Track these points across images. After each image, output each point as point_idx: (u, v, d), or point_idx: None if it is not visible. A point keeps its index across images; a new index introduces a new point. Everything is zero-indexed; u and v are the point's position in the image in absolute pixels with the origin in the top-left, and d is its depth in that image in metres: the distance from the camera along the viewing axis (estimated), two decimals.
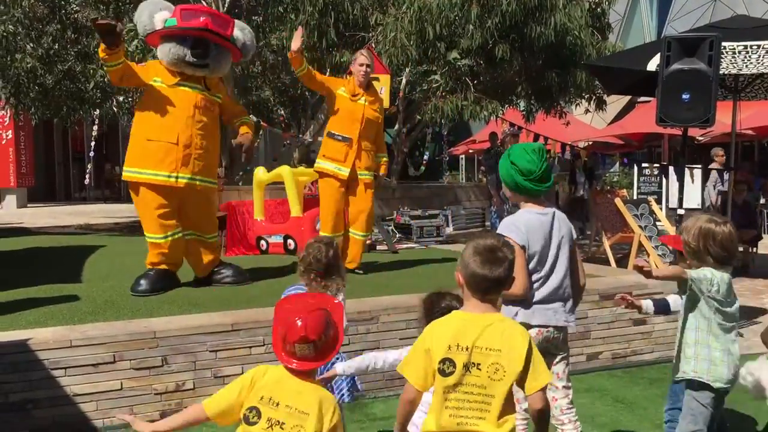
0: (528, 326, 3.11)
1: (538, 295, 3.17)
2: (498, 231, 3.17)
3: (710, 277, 3.09)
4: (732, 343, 3.15)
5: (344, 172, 6.13)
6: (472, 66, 10.22)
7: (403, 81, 11.04)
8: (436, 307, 2.98)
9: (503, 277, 2.36)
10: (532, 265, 3.15)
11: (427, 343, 2.33)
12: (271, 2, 10.75)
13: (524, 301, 3.15)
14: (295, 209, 8.05)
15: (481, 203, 14.20)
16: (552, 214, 3.21)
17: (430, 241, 10.18)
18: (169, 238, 5.46)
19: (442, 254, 7.78)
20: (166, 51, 5.38)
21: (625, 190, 11.85)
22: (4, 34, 9.82)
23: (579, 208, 15.23)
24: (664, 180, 11.64)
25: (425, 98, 11.11)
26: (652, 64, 6.73)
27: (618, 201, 9.20)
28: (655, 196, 11.32)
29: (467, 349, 2.28)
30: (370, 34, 10.10)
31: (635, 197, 11.23)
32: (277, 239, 8.05)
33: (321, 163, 6.23)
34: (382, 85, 8.03)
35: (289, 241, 7.93)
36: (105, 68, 5.40)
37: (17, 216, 14.92)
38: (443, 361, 2.28)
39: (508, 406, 2.32)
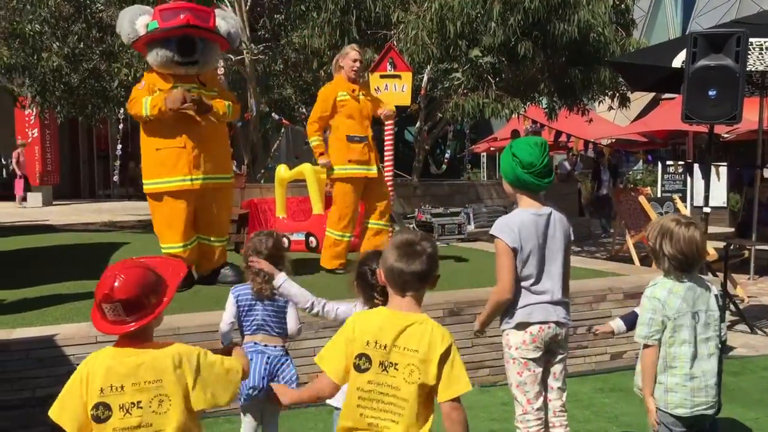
0: (527, 325, 3.11)
1: (535, 294, 3.13)
2: (491, 231, 3.14)
3: (649, 312, 2.89)
4: (701, 359, 2.90)
5: (373, 170, 6.18)
6: (494, 63, 10.15)
7: (425, 79, 11.01)
8: (364, 264, 2.88)
9: (420, 271, 2.25)
10: (526, 266, 3.10)
11: (349, 336, 2.25)
12: (293, 1, 10.77)
13: (516, 303, 3.12)
14: (317, 207, 8.06)
15: (503, 201, 14.10)
16: (548, 214, 3.15)
17: (452, 239, 10.14)
18: (188, 247, 5.52)
19: (464, 252, 7.76)
20: (154, 56, 5.39)
21: (649, 188, 11.72)
22: (31, 33, 9.93)
23: (603, 207, 15.12)
24: (688, 178, 11.50)
25: (447, 96, 11.07)
26: (678, 61, 6.66)
27: (642, 199, 9.11)
28: (680, 194, 11.19)
29: (386, 347, 2.19)
30: (392, 32, 10.08)
31: (659, 195, 11.11)
32: (298, 237, 8.07)
33: (347, 169, 6.14)
34: (404, 82, 8.01)
35: (311, 238, 7.95)
36: (144, 118, 5.38)
37: (43, 213, 15.10)
38: (359, 356, 2.20)
39: (424, 414, 2.21)
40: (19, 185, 17.25)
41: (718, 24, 12.44)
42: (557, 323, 3.15)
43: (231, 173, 5.88)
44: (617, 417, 4.40)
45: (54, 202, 18.08)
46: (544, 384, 3.21)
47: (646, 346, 2.95)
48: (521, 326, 3.14)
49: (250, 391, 3.28)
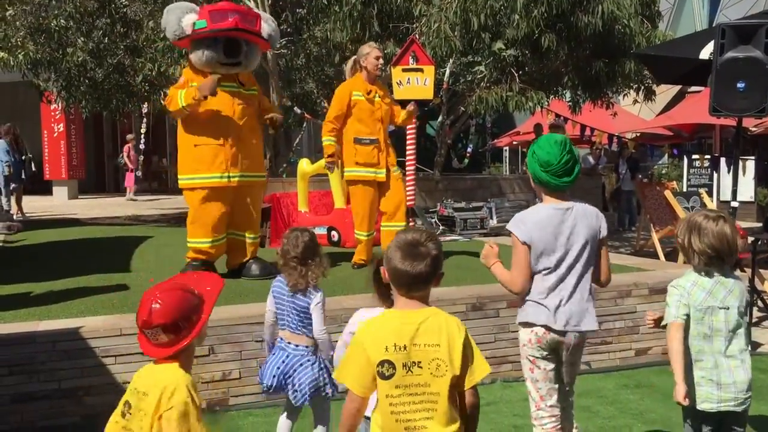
0: (533, 324, 3.05)
1: (544, 293, 3.03)
2: (507, 225, 3.09)
3: (676, 296, 2.88)
4: (731, 355, 2.86)
5: (381, 174, 6.12)
6: (518, 56, 10.08)
7: (447, 72, 10.96)
8: (381, 264, 2.82)
9: (425, 273, 2.23)
10: (539, 262, 3.02)
11: (363, 346, 2.20)
12: None
13: (532, 301, 3.06)
14: (339, 201, 8.07)
15: (525, 195, 14.02)
16: (568, 209, 3.03)
17: (474, 233, 10.11)
18: (216, 244, 5.56)
19: None
20: (199, 55, 5.43)
21: (674, 183, 11.58)
22: (56, 28, 10.03)
23: (620, 200, 14.96)
24: (714, 172, 11.34)
25: (469, 89, 11.01)
26: (705, 53, 6.54)
27: (668, 193, 8.99)
28: (706, 189, 11.04)
29: (405, 348, 2.17)
30: (414, 25, 10.04)
31: (685, 189, 10.96)
32: (320, 231, 8.09)
33: (354, 171, 6.13)
34: (427, 76, 7.97)
35: (333, 232, 7.96)
36: (181, 111, 5.42)
37: (68, 207, 15.29)
38: (381, 363, 2.16)
39: (455, 404, 2.22)
40: (129, 179, 17.51)
41: (746, 15, 12.23)
42: (559, 332, 3.02)
43: (264, 171, 5.94)
44: (642, 414, 4.36)
45: (79, 196, 18.29)
46: (559, 381, 3.14)
47: (674, 325, 2.92)
48: (527, 325, 3.09)
49: (264, 388, 3.31)
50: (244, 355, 4.41)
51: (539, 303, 3.04)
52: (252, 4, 9.79)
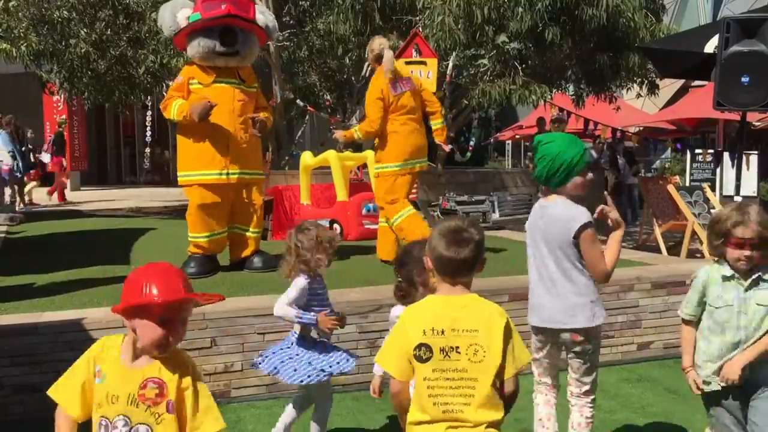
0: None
1: (533, 290, 3.22)
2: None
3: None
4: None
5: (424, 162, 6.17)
6: (521, 49, 10.05)
7: (450, 65, 10.93)
8: (409, 254, 2.99)
9: (470, 258, 2.27)
10: (529, 257, 3.23)
11: (403, 330, 2.25)
12: None
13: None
14: (342, 194, 8.06)
15: (528, 189, 14.00)
16: (543, 207, 3.17)
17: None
18: (213, 238, 5.57)
19: (488, 240, 7.71)
20: (195, 46, 5.41)
21: (677, 177, 11.55)
22: (59, 19, 10.02)
23: (620, 194, 14.94)
24: (718, 167, 11.31)
25: (472, 83, 10.98)
26: (710, 46, 6.52)
27: (671, 188, 8.96)
28: (709, 183, 11.01)
29: (443, 332, 2.20)
30: (417, 18, 10.01)
31: (688, 184, 10.93)
32: (323, 223, 8.07)
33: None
34: (429, 69, 7.96)
35: (335, 225, 7.95)
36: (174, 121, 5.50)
37: (71, 199, 15.29)
38: (419, 347, 2.19)
39: (495, 392, 2.22)
40: None
41: (751, 9, 12.19)
42: (550, 330, 3.16)
43: (262, 169, 5.98)
44: (644, 407, 4.36)
45: (81, 188, 18.30)
46: (554, 368, 3.29)
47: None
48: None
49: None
50: (246, 348, 4.41)
51: (531, 299, 3.26)
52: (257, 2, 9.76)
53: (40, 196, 14.76)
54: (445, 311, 2.23)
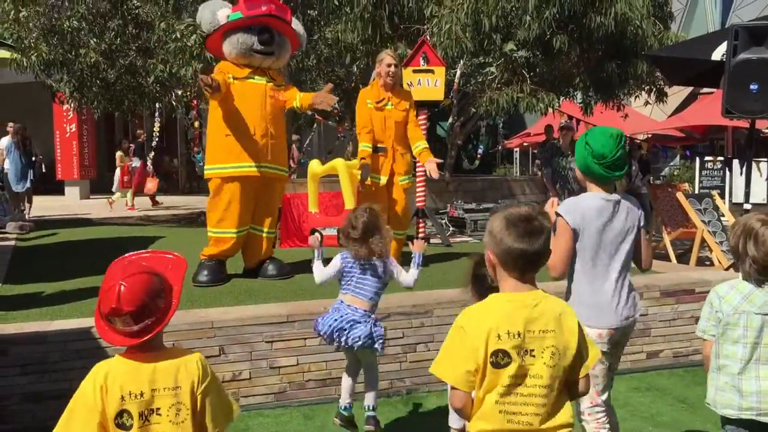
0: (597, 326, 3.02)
1: (600, 290, 3.03)
2: (557, 210, 3.07)
3: (708, 308, 2.80)
4: (762, 363, 2.69)
5: (383, 180, 6.11)
6: (529, 57, 10.06)
7: (458, 73, 10.95)
8: (482, 266, 2.81)
9: (543, 250, 2.03)
10: (588, 253, 3.02)
11: (467, 335, 2.00)
12: None
13: (584, 295, 3.04)
14: (350, 202, 8.07)
15: (536, 197, 14.01)
16: (617, 201, 3.05)
17: (484, 234, 10.09)
18: (242, 234, 5.60)
19: None
20: (234, 42, 5.54)
21: (686, 184, 11.52)
22: (69, 29, 10.09)
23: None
24: (727, 174, 11.28)
25: (480, 90, 11.00)
26: (718, 54, 6.51)
27: (680, 195, 8.93)
28: (718, 191, 10.98)
29: (519, 335, 1.97)
30: (425, 27, 10.03)
31: (697, 191, 10.90)
32: (331, 232, 8.08)
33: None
34: (437, 77, 7.96)
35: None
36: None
37: (80, 207, 15.36)
38: (495, 353, 1.96)
39: (565, 396, 2.07)
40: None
41: (760, 16, 12.15)
42: (620, 327, 3.07)
43: (287, 167, 6.01)
44: (653, 416, 4.33)
45: (91, 196, 18.37)
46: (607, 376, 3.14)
47: (704, 339, 2.88)
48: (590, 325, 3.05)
49: (321, 334, 3.72)
50: (254, 356, 4.42)
51: (596, 304, 3.03)
52: None
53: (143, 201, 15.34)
54: (517, 311, 2.01)
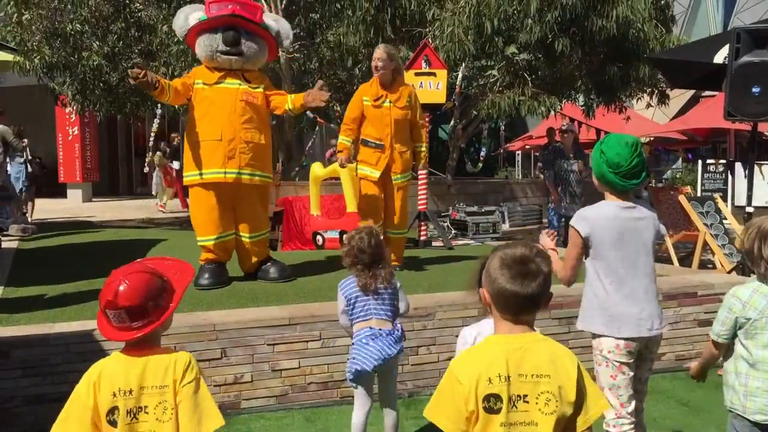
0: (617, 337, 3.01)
1: (622, 301, 2.99)
2: (571, 222, 3.07)
3: (726, 307, 2.74)
4: None
5: (376, 174, 6.07)
6: (531, 60, 10.07)
7: (460, 76, 10.96)
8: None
9: (537, 294, 1.93)
10: (606, 262, 3.00)
11: (460, 379, 1.91)
12: None
13: (603, 308, 3.02)
14: (351, 205, 8.07)
15: (538, 200, 14.00)
16: (634, 209, 3.02)
17: (486, 237, 10.09)
18: (220, 241, 5.55)
19: None
20: (201, 45, 5.51)
21: (688, 187, 11.50)
22: (72, 32, 10.11)
23: None
24: (729, 176, 11.26)
25: (482, 93, 11.01)
26: (720, 57, 6.52)
27: (682, 198, 8.92)
28: (720, 194, 10.96)
29: (508, 378, 1.89)
30: (427, 29, 10.05)
31: (699, 194, 10.88)
32: (332, 234, 8.09)
33: (359, 169, 6.23)
34: (439, 80, 7.98)
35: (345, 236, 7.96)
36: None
37: (83, 210, 15.37)
38: (487, 398, 1.88)
39: None
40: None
41: (762, 19, 12.16)
42: (644, 338, 3.02)
43: (270, 173, 5.84)
44: (655, 420, 4.32)
45: (93, 199, 18.39)
46: (634, 386, 3.10)
47: (714, 342, 2.85)
48: (607, 335, 3.05)
49: (360, 372, 3.40)
50: (256, 359, 4.42)
51: (617, 314, 2.99)
52: (265, 9, 9.82)
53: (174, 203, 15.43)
54: (510, 354, 1.93)
